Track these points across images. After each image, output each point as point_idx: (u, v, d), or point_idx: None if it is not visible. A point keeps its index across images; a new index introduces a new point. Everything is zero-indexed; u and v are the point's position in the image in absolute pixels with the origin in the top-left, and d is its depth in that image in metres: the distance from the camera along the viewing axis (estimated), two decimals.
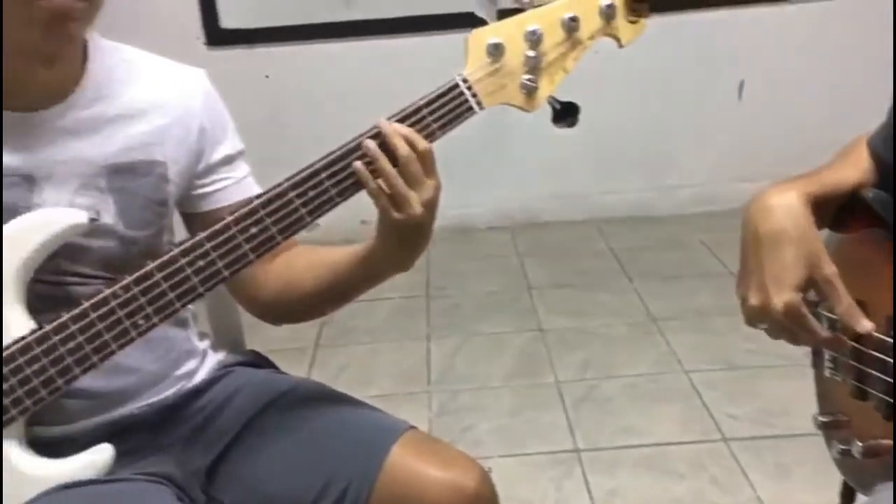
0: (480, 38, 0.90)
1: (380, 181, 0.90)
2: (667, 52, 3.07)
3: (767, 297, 0.82)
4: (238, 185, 1.07)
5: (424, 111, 0.90)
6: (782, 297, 0.81)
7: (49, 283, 0.94)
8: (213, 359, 1.13)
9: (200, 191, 1.05)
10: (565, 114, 0.93)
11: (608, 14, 0.91)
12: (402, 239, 0.94)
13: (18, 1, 0.84)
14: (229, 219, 0.89)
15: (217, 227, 0.89)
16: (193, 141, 1.02)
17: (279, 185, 0.90)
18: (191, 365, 1.09)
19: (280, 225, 0.90)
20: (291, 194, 0.89)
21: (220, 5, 3.22)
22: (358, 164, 0.89)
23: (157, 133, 0.99)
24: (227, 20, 3.24)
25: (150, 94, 1.00)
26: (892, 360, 0.81)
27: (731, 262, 2.83)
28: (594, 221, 3.41)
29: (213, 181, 1.05)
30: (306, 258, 1.05)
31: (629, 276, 2.92)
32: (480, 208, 3.39)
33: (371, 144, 0.89)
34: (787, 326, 0.83)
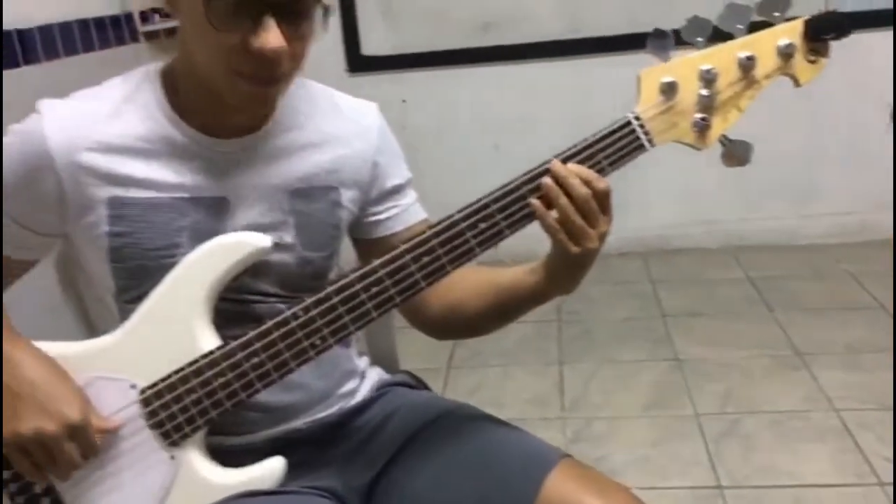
0: (653, 76, 0.90)
1: (555, 216, 0.91)
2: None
3: None
4: (406, 212, 1.11)
5: (596, 147, 0.91)
6: None
7: (231, 301, 0.99)
8: (372, 378, 1.16)
9: (372, 218, 1.10)
10: (737, 152, 0.92)
11: (787, 53, 0.89)
12: (574, 267, 0.95)
13: (238, 58, 0.87)
14: (403, 247, 0.93)
15: (391, 255, 0.93)
16: (368, 171, 1.07)
17: (451, 216, 0.92)
18: (352, 384, 1.12)
19: (451, 255, 0.92)
20: (463, 225, 0.92)
21: (362, 33, 3.35)
22: (535, 202, 0.91)
23: (337, 162, 1.05)
24: (368, 47, 3.36)
25: (331, 126, 1.05)
26: None
27: (882, 295, 2.71)
28: (730, 249, 3.32)
29: (384, 209, 1.10)
30: (472, 279, 1.07)
31: (769, 306, 2.82)
32: (612, 234, 3.35)
33: (550, 183, 0.90)
34: None
